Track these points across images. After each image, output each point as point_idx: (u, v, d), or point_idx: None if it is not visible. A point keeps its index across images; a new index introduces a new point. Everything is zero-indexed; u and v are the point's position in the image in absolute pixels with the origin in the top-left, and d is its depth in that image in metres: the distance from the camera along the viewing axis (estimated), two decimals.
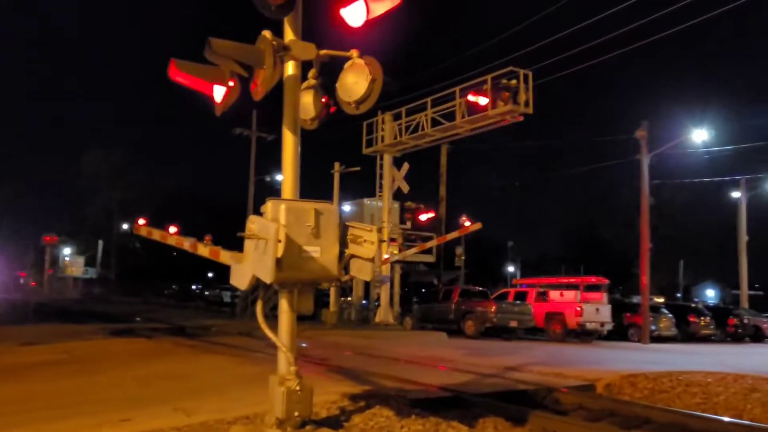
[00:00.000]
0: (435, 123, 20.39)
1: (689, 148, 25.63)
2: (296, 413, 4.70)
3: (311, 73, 5.85)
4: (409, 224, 25.97)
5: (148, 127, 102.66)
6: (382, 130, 22.82)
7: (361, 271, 5.10)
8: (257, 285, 4.90)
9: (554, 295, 23.22)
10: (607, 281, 23.73)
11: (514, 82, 17.73)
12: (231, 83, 5.48)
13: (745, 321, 26.84)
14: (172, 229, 7.38)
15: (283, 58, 5.26)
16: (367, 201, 27.30)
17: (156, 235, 7.20)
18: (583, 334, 21.79)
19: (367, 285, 26.15)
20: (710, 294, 60.60)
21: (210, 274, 61.69)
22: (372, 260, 5.04)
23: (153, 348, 14.14)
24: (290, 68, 5.34)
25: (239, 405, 6.37)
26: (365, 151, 23.80)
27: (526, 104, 17.80)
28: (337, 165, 26.80)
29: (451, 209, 31.23)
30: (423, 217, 25.16)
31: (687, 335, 24.53)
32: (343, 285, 23.40)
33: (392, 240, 24.38)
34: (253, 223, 4.69)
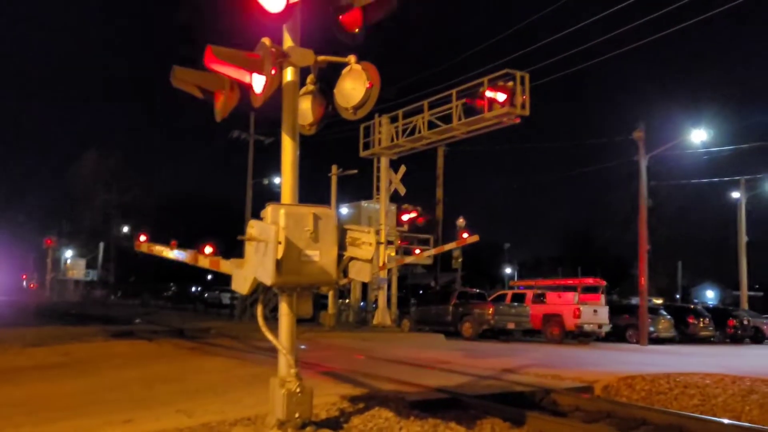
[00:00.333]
0: (432, 125, 20.46)
1: (687, 149, 25.75)
2: (297, 414, 4.77)
3: (309, 78, 5.92)
4: (406, 227, 26.07)
5: (147, 130, 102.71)
6: (379, 132, 22.89)
7: (360, 273, 5.17)
8: (257, 288, 4.97)
9: (552, 296, 23.30)
10: (604, 283, 23.83)
11: (510, 83, 17.80)
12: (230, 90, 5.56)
13: (745, 322, 26.92)
14: (165, 251, 7.43)
15: (282, 65, 5.33)
16: (364, 203, 27.38)
17: (156, 250, 7.29)
18: (581, 336, 21.88)
19: (365, 287, 26.22)
20: (710, 295, 60.73)
21: (209, 276, 61.73)
22: (370, 261, 5.11)
23: (153, 350, 14.20)
24: (289, 74, 5.41)
25: (240, 406, 6.44)
26: (362, 153, 23.89)
27: (523, 106, 17.87)
28: (334, 168, 26.89)
29: (448, 211, 31.35)
30: (405, 217, 25.19)
31: (686, 337, 24.62)
32: (342, 287, 23.49)
33: (389, 242, 24.48)
34: (252, 228, 4.77)
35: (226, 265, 5.51)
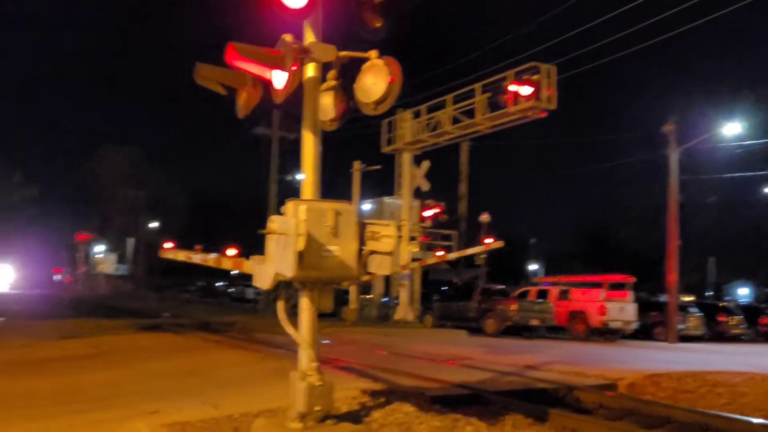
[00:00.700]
0: (455, 120, 20.36)
1: (721, 142, 25.10)
2: (317, 408, 4.81)
3: (331, 74, 5.93)
4: (428, 222, 25.99)
5: (172, 127, 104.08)
6: (402, 128, 22.85)
7: (380, 267, 5.18)
8: (279, 284, 5.02)
9: (577, 293, 23.03)
10: (633, 279, 23.46)
11: (536, 77, 17.63)
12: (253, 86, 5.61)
13: None
14: (191, 256, 7.61)
15: (303, 61, 5.36)
16: (387, 199, 27.37)
17: (182, 256, 7.45)
18: (607, 333, 21.58)
19: (387, 282, 26.26)
20: (743, 293, 59.31)
21: (234, 272, 62.40)
22: (391, 254, 5.11)
23: (180, 343, 14.46)
24: (310, 70, 5.43)
25: (263, 399, 6.53)
26: (384, 149, 23.88)
27: (549, 100, 17.69)
28: (356, 164, 26.90)
29: (472, 206, 31.18)
30: (427, 213, 25.07)
31: (716, 334, 24.11)
32: (364, 283, 23.54)
33: (412, 239, 24.43)
34: (273, 223, 4.82)
35: (248, 265, 5.57)
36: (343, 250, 4.82)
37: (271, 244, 4.86)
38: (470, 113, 19.73)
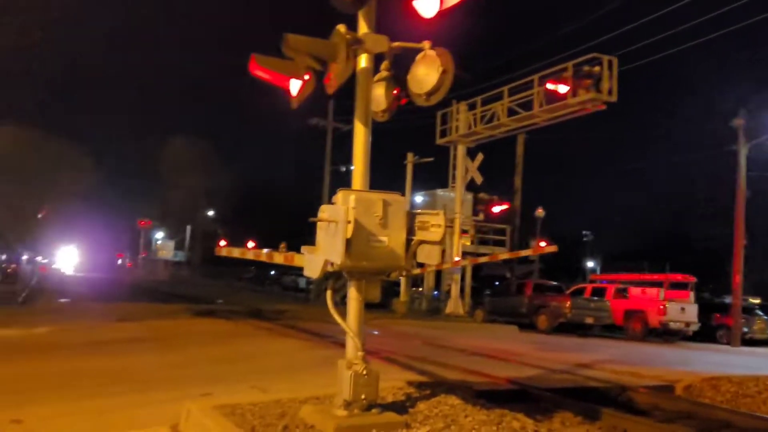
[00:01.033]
0: (511, 112, 20.05)
1: None
2: (363, 396, 4.85)
3: (383, 65, 5.92)
4: (481, 216, 25.74)
5: (228, 118, 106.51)
6: (457, 120, 22.68)
7: (429, 256, 5.15)
8: (328, 274, 5.08)
9: (635, 291, 22.38)
10: (693, 279, 22.62)
11: (597, 68, 17.17)
12: (306, 77, 5.67)
13: None
14: (251, 244, 7.88)
15: (356, 52, 5.37)
16: (439, 191, 27.26)
17: (236, 252, 7.65)
18: (666, 334, 20.93)
19: (438, 276, 26.18)
20: None
21: None
22: (439, 243, 5.08)
23: (233, 329, 14.87)
24: (363, 61, 5.44)
25: (310, 386, 6.63)
26: (439, 141, 23.75)
27: (610, 92, 17.20)
28: (410, 156, 26.89)
29: (527, 200, 30.66)
30: (496, 209, 24.84)
31: None
32: (413, 276, 23.54)
33: (464, 232, 24.25)
34: (323, 212, 4.87)
35: (299, 259, 5.65)
36: (391, 240, 4.83)
37: (321, 233, 4.91)
38: (527, 105, 19.38)
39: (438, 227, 4.97)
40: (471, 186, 24.76)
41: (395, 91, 6.00)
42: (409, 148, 27.27)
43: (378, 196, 4.86)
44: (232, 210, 62.13)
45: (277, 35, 5.27)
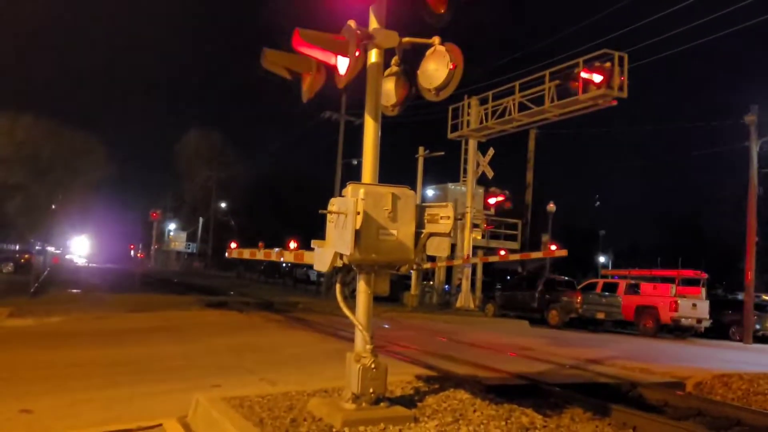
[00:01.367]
0: (523, 107, 19.96)
1: None
2: (371, 390, 4.87)
3: (394, 60, 5.92)
4: (493, 210, 25.66)
5: (239, 110, 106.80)
6: (468, 114, 22.62)
7: (438, 249, 5.15)
8: (337, 268, 5.10)
9: (646, 287, 22.27)
10: (705, 275, 22.45)
11: (608, 64, 17.03)
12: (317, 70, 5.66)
13: None
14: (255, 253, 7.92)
15: (366, 47, 5.37)
16: (451, 186, 27.21)
17: (246, 254, 7.69)
18: (677, 330, 20.81)
19: (449, 270, 26.16)
20: None
21: None
22: (449, 235, 5.08)
23: (244, 321, 14.96)
24: (373, 56, 5.44)
25: (319, 378, 6.68)
26: (450, 135, 23.69)
27: (621, 88, 17.07)
28: (421, 149, 26.85)
29: (538, 195, 30.53)
30: (492, 201, 24.70)
31: None
32: (424, 270, 23.54)
33: (475, 226, 24.20)
34: (333, 205, 4.89)
35: (309, 257, 5.68)
36: (400, 233, 4.84)
37: (331, 225, 4.93)
38: (538, 101, 19.29)
39: (447, 219, 4.97)
40: (482, 180, 24.70)
41: (405, 86, 6.00)
42: (420, 142, 27.26)
43: (387, 190, 4.87)
44: (244, 202, 62.39)
45: (289, 29, 5.26)
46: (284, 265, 55.35)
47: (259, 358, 9.16)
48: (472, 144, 23.58)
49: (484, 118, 21.85)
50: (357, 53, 5.19)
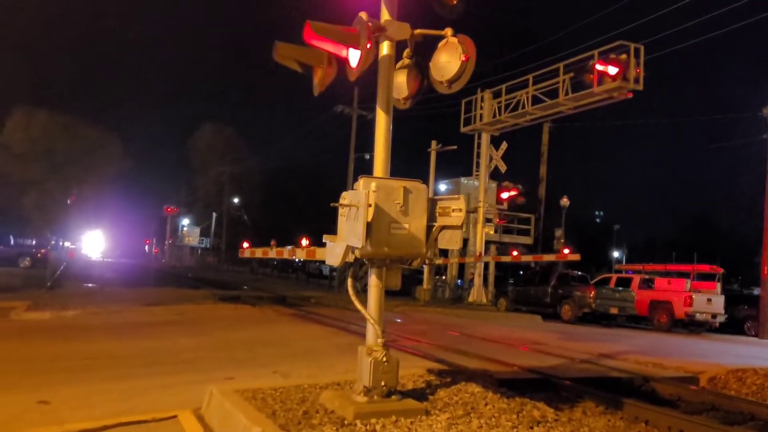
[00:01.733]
0: (536, 101, 19.84)
1: None
2: (383, 383, 4.88)
3: (406, 52, 5.88)
4: (506, 205, 25.56)
5: (251, 106, 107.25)
6: (481, 108, 22.52)
7: (450, 242, 5.14)
8: (349, 262, 5.11)
9: (661, 282, 22.09)
10: (721, 270, 22.22)
11: (624, 56, 16.86)
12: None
13: None
14: (267, 252, 7.91)
15: (378, 39, 5.34)
16: (463, 180, 27.14)
17: (259, 253, 7.70)
18: (692, 325, 20.64)
19: (461, 264, 26.10)
20: None
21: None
22: (460, 228, 5.07)
23: (257, 315, 15.05)
24: (385, 48, 5.41)
25: (331, 372, 6.71)
26: (463, 129, 23.60)
27: (636, 80, 16.90)
28: (433, 143, 26.78)
29: (552, 189, 30.35)
30: (504, 195, 24.57)
31: None
32: (435, 264, 23.51)
33: (488, 220, 24.13)
34: (345, 199, 4.89)
35: (320, 253, 5.69)
36: (412, 227, 4.83)
37: (342, 219, 4.93)
38: (552, 94, 19.16)
39: (459, 211, 4.95)
40: (495, 174, 24.61)
41: (417, 79, 5.97)
42: (433, 136, 27.18)
43: (399, 183, 4.86)
44: (258, 197, 62.61)
45: (301, 21, 5.25)
46: (297, 260, 55.66)
47: (271, 351, 9.21)
48: (485, 138, 23.48)
49: (497, 111, 21.76)
50: (368, 45, 5.18)
